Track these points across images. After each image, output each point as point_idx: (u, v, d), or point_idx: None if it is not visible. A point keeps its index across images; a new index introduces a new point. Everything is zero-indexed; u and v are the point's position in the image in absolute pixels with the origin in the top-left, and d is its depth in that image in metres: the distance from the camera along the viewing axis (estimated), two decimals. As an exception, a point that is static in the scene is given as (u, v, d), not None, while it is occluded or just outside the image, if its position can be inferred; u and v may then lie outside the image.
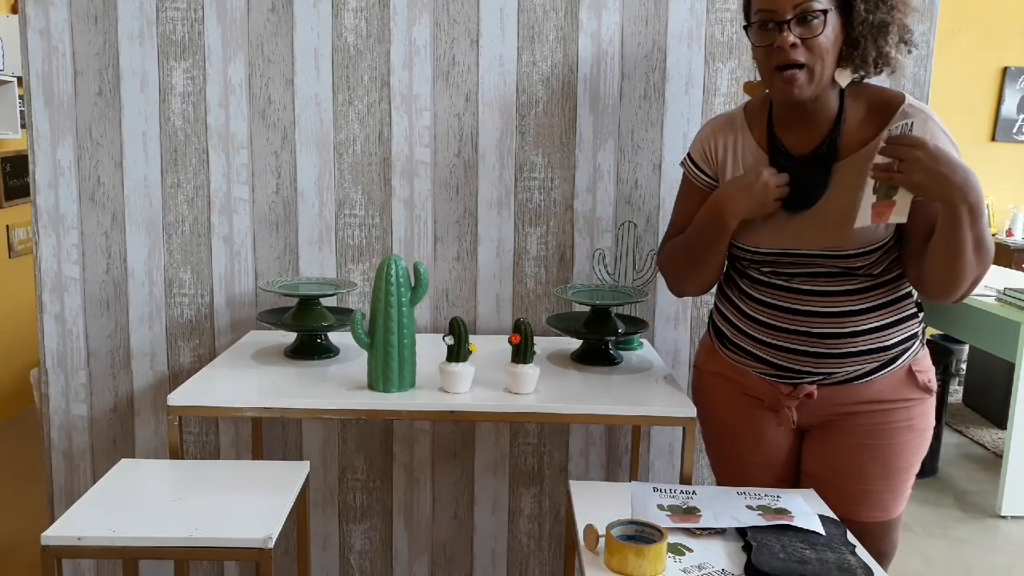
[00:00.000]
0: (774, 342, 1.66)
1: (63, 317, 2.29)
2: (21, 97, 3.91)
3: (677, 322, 2.31)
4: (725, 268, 1.80)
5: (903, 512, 1.75)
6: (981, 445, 4.22)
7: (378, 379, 1.77)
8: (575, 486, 1.63)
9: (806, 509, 1.51)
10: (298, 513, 1.77)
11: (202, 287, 2.29)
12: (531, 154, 2.23)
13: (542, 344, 2.14)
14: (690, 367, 2.20)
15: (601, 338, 2.01)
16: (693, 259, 1.74)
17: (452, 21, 2.18)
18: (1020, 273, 4.27)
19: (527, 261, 2.28)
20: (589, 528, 1.36)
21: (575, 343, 2.12)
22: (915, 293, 1.66)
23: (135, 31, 2.18)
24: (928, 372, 1.69)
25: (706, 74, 2.20)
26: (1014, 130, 5.50)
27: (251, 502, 1.56)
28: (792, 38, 1.50)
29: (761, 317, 1.68)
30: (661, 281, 2.16)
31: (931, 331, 4.40)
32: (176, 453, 1.76)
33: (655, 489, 1.60)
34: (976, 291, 3.53)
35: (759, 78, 1.64)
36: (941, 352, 3.79)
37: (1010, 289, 3.45)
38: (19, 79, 3.92)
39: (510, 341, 1.78)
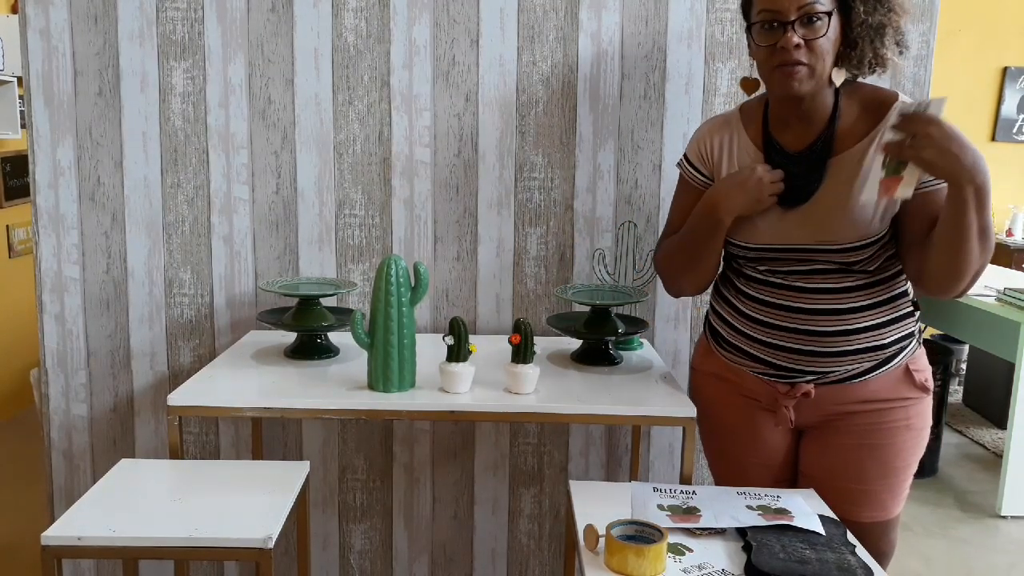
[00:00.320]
0: (771, 340, 1.66)
1: (63, 317, 2.29)
2: (21, 97, 3.91)
3: (677, 322, 2.31)
4: (721, 268, 1.81)
5: (902, 512, 1.75)
6: (981, 445, 4.22)
7: (378, 379, 1.78)
8: (575, 486, 1.63)
9: (806, 509, 1.51)
10: (298, 513, 1.77)
11: (202, 287, 2.29)
12: (531, 154, 2.23)
13: (542, 344, 2.14)
14: (689, 368, 2.20)
15: (601, 338, 2.01)
16: (689, 257, 1.75)
17: (452, 21, 2.18)
18: (1020, 273, 4.27)
19: (527, 261, 2.28)
20: (589, 528, 1.36)
21: (575, 343, 2.12)
22: (911, 292, 1.67)
23: (135, 31, 2.18)
24: (925, 371, 1.69)
25: (706, 74, 2.20)
26: (1014, 130, 5.50)
27: (251, 502, 1.56)
28: (796, 39, 1.51)
29: (758, 315, 1.68)
30: (661, 281, 2.16)
31: (931, 331, 4.40)
32: (176, 453, 1.76)
33: (655, 489, 1.60)
34: (976, 291, 3.57)
35: (753, 75, 1.66)
36: (941, 352, 3.79)
37: (1010, 289, 3.45)
38: (19, 79, 3.92)
39: (510, 341, 1.78)
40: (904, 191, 1.45)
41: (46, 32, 2.18)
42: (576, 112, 2.22)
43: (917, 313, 1.70)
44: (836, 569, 1.31)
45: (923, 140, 1.40)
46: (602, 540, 1.34)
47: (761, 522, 1.44)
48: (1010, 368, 3.56)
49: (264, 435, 2.33)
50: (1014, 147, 5.53)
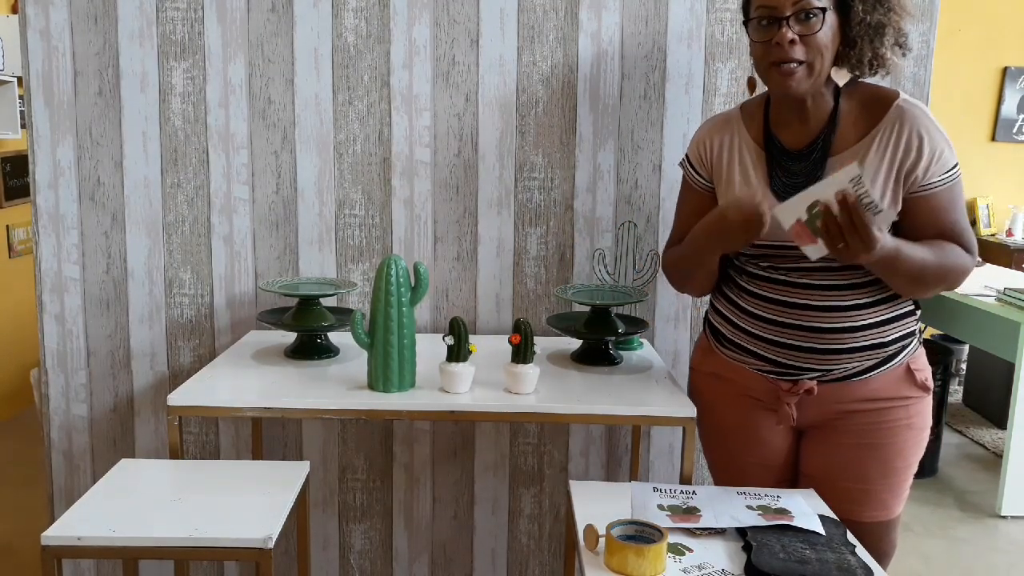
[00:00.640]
0: (773, 337, 1.66)
1: (63, 317, 2.29)
2: (21, 97, 3.91)
3: (677, 322, 2.31)
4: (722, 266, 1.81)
5: (902, 512, 1.75)
6: (981, 445, 4.22)
7: (378, 379, 1.77)
8: (575, 486, 1.63)
9: (806, 509, 1.51)
10: (298, 513, 1.77)
11: (202, 287, 2.29)
12: (531, 154, 2.23)
13: (542, 344, 2.14)
14: (689, 368, 2.20)
15: (601, 338, 2.01)
16: (691, 270, 1.77)
17: (452, 21, 2.18)
18: (1020, 273, 4.27)
19: (527, 261, 2.28)
20: (589, 528, 1.36)
21: (575, 343, 2.12)
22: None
23: (135, 31, 2.18)
24: (925, 371, 1.69)
25: (706, 74, 2.20)
26: (1014, 130, 5.50)
27: (251, 502, 1.56)
28: (791, 35, 1.52)
29: (760, 312, 1.68)
30: (661, 281, 2.16)
31: (931, 331, 4.40)
32: (176, 453, 1.76)
33: (655, 489, 1.60)
34: (976, 291, 3.57)
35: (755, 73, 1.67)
36: (941, 352, 3.79)
37: (1010, 289, 3.45)
38: (19, 79, 3.92)
39: (510, 341, 1.78)
40: (813, 251, 1.47)
41: (46, 32, 2.18)
42: (576, 112, 2.22)
43: (917, 312, 1.70)
44: (836, 569, 1.31)
45: (849, 249, 1.43)
46: (602, 540, 1.34)
47: (761, 522, 1.44)
48: (1010, 368, 3.56)
49: (264, 435, 2.33)
50: (1014, 147, 5.53)
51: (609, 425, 2.32)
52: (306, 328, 2.01)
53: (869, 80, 1.67)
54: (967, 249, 1.59)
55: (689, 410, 1.74)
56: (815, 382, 1.66)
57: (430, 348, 1.97)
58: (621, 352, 2.09)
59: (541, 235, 2.27)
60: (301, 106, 2.21)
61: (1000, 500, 3.41)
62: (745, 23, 1.62)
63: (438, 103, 2.21)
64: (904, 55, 1.62)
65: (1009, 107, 5.48)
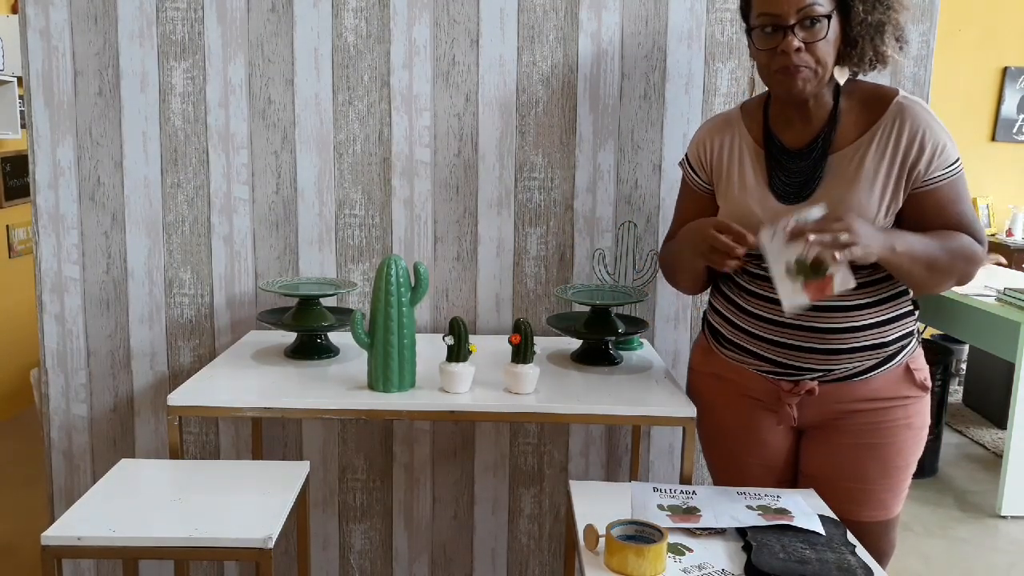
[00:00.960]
0: (774, 337, 1.66)
1: (63, 317, 2.29)
2: (21, 97, 3.91)
3: (677, 322, 2.31)
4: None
5: (901, 511, 1.75)
6: (981, 445, 4.22)
7: (378, 379, 1.77)
8: (575, 486, 1.63)
9: (806, 509, 1.51)
10: (298, 513, 1.77)
11: (202, 287, 2.29)
12: (531, 154, 2.23)
13: (542, 344, 2.14)
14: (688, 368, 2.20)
15: (601, 338, 2.01)
16: (678, 268, 1.80)
17: (452, 21, 2.18)
18: (1020, 273, 4.27)
19: (527, 261, 2.28)
20: (589, 528, 1.36)
21: (575, 343, 2.12)
22: (911, 291, 1.67)
23: (135, 31, 2.18)
24: (924, 370, 1.69)
25: (706, 74, 2.20)
26: (1014, 130, 5.50)
27: (251, 502, 1.56)
28: (797, 42, 1.52)
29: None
30: (661, 281, 2.16)
31: (931, 331, 4.40)
32: (176, 453, 1.76)
33: (655, 489, 1.60)
34: (976, 291, 3.57)
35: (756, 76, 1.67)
36: (941, 352, 3.78)
37: (1010, 289, 3.45)
38: (19, 79, 3.92)
39: (510, 341, 1.78)
40: (840, 286, 1.49)
41: (46, 32, 2.18)
42: (576, 112, 2.22)
43: (917, 312, 1.71)
44: (836, 569, 1.31)
45: (845, 241, 1.44)
46: (602, 540, 1.34)
47: (761, 522, 1.44)
48: (1010, 368, 3.56)
49: (264, 435, 2.33)
50: (1014, 147, 5.53)
51: (609, 425, 2.32)
52: (306, 328, 2.01)
53: (869, 78, 1.67)
54: (976, 239, 1.59)
55: (689, 410, 1.74)
56: (816, 382, 1.66)
57: (430, 348, 1.97)
58: (621, 352, 2.09)
59: (541, 235, 2.27)
60: (301, 106, 2.21)
61: (1000, 500, 3.41)
62: (748, 31, 1.62)
63: (438, 103, 2.21)
64: (902, 49, 1.62)
65: (1009, 107, 5.48)
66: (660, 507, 1.51)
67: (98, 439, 2.35)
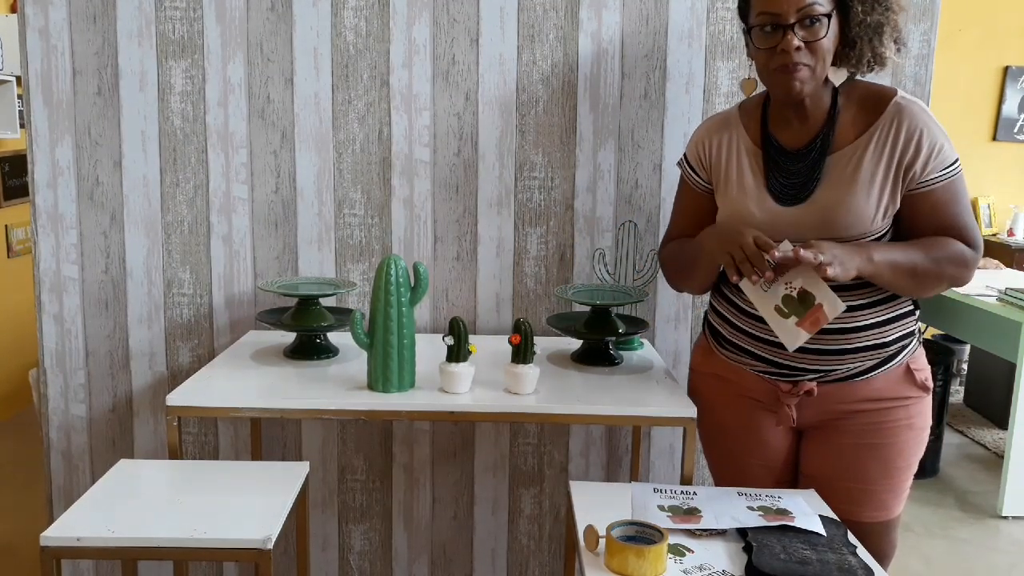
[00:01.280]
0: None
1: (62, 317, 2.28)
2: (20, 97, 3.91)
3: (677, 322, 2.31)
4: (721, 267, 1.81)
5: (902, 512, 1.75)
6: (982, 445, 4.22)
7: (378, 379, 1.77)
8: (575, 486, 1.63)
9: (807, 510, 1.51)
10: (298, 513, 1.76)
11: (201, 287, 2.28)
12: (531, 154, 2.23)
13: (542, 344, 2.13)
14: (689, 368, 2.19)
15: (601, 338, 2.00)
16: (685, 272, 1.80)
17: (452, 20, 2.18)
18: (1020, 273, 4.27)
19: (527, 261, 2.27)
20: (589, 529, 1.36)
21: (575, 343, 2.11)
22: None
23: (134, 30, 2.18)
24: (925, 371, 1.69)
25: (706, 74, 2.20)
26: (1015, 130, 5.50)
27: (251, 502, 1.55)
28: (796, 41, 1.51)
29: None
30: (661, 281, 2.16)
31: (932, 331, 4.40)
32: (175, 453, 1.76)
33: (655, 490, 1.59)
34: (977, 291, 3.57)
35: (752, 76, 1.66)
36: (942, 352, 3.78)
37: (1010, 289, 3.44)
38: (18, 79, 3.91)
39: (510, 341, 1.77)
40: (831, 312, 1.53)
41: (45, 32, 2.17)
42: (576, 112, 2.21)
43: (917, 312, 1.70)
44: (837, 570, 1.30)
45: (822, 261, 1.47)
46: (602, 541, 1.33)
47: (762, 523, 1.44)
48: (1011, 368, 3.56)
49: (264, 435, 2.33)
50: (1015, 147, 5.53)
51: (609, 425, 2.32)
52: (305, 328, 2.01)
53: (869, 78, 1.66)
54: (969, 244, 1.58)
55: (689, 410, 1.73)
56: (815, 383, 1.66)
57: (430, 348, 1.97)
58: (621, 352, 2.09)
59: (541, 235, 2.26)
60: (300, 105, 2.21)
61: (1001, 500, 3.41)
62: (746, 30, 1.61)
63: (438, 102, 2.21)
64: (900, 51, 1.62)
65: (1010, 107, 5.47)
66: (660, 508, 1.50)
67: (97, 439, 2.34)
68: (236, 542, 1.42)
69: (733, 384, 1.76)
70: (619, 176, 2.24)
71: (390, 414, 1.75)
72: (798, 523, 1.44)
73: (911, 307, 1.68)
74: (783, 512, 1.49)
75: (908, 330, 1.67)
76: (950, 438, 4.24)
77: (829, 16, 1.52)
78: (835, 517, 1.53)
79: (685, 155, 1.82)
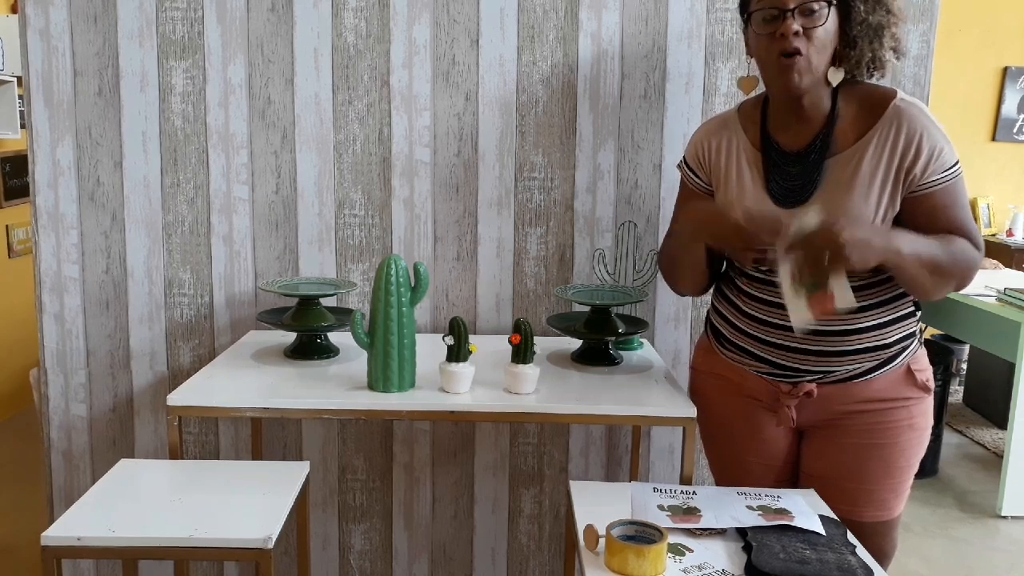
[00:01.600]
0: (773, 340, 1.66)
1: (62, 317, 2.29)
2: (21, 97, 3.91)
3: (677, 322, 2.31)
4: (723, 267, 1.81)
5: (903, 512, 1.75)
6: (981, 445, 4.22)
7: (378, 379, 1.77)
8: (575, 486, 1.63)
9: (806, 509, 1.51)
10: (298, 513, 1.77)
11: (201, 287, 2.28)
12: (531, 154, 2.23)
13: (542, 344, 2.14)
14: (689, 368, 2.20)
15: (601, 338, 2.01)
16: (677, 264, 1.79)
17: (452, 21, 2.18)
18: (1020, 273, 4.27)
19: (527, 261, 2.28)
20: (589, 528, 1.36)
21: (575, 343, 2.11)
22: (912, 294, 1.67)
23: (135, 31, 2.18)
24: (926, 371, 1.69)
25: (706, 74, 2.20)
26: (1014, 130, 5.50)
27: (251, 502, 1.55)
28: (795, 26, 1.51)
29: (760, 315, 1.68)
30: (661, 282, 2.16)
31: (931, 331, 4.40)
32: (176, 453, 1.76)
33: (655, 489, 1.59)
34: (976, 291, 3.57)
35: (751, 74, 1.67)
36: (941, 352, 3.78)
37: (1010, 289, 3.45)
38: (19, 79, 3.92)
39: (510, 341, 1.78)
40: (842, 302, 1.46)
41: (46, 32, 2.18)
42: (576, 112, 2.22)
43: (918, 313, 1.70)
44: (836, 569, 1.31)
45: (839, 251, 1.41)
46: (602, 540, 1.34)
47: (761, 522, 1.44)
48: (1010, 368, 3.56)
49: (264, 435, 2.33)
50: (1014, 147, 5.53)
51: (609, 425, 2.32)
52: (306, 328, 2.01)
53: (867, 81, 1.67)
54: (974, 245, 1.58)
55: (689, 410, 1.74)
56: (815, 384, 1.66)
57: (430, 348, 1.97)
58: (621, 352, 2.09)
59: (541, 235, 2.27)
60: (301, 106, 2.21)
61: (1000, 500, 3.41)
62: (745, 21, 1.62)
63: (438, 103, 2.21)
64: (899, 58, 1.63)
65: (1009, 107, 5.48)
66: (660, 507, 1.50)
67: (98, 439, 2.35)
68: (237, 542, 1.42)
69: (734, 384, 1.77)
70: (619, 176, 2.24)
71: (390, 414, 1.75)
72: (798, 523, 1.44)
73: (912, 308, 1.68)
74: (783, 512, 1.49)
75: (909, 331, 1.67)
76: (949, 438, 4.24)
77: (830, 4, 1.53)
78: (835, 517, 1.53)
79: (684, 158, 1.82)
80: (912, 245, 1.50)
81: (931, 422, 1.71)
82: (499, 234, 2.26)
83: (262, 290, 2.27)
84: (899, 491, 1.71)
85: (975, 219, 5.45)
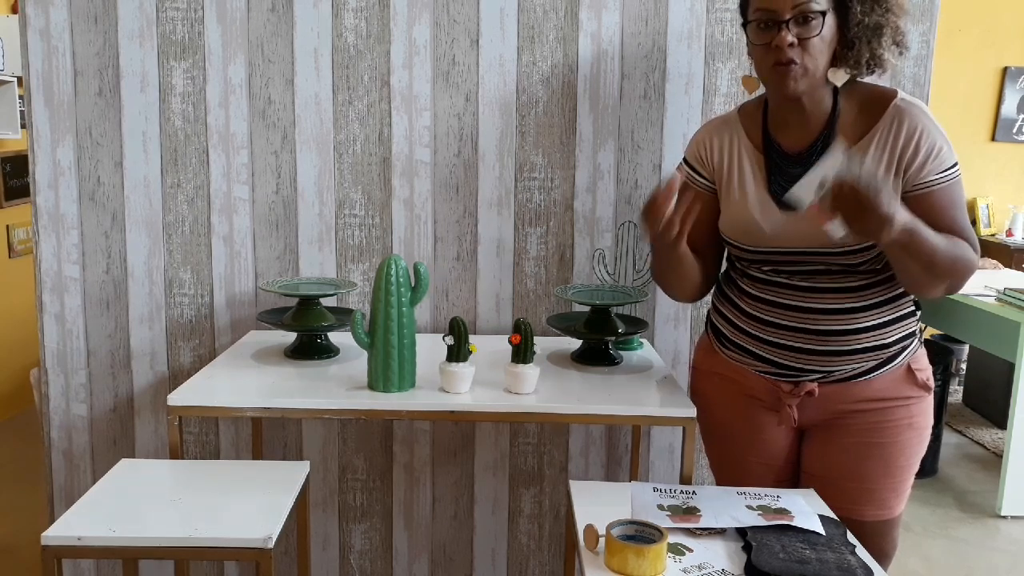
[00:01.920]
0: (775, 340, 1.66)
1: (63, 317, 2.29)
2: (21, 97, 3.91)
3: (677, 322, 2.31)
4: (724, 268, 1.81)
5: (903, 511, 1.75)
6: (981, 445, 4.22)
7: (378, 379, 1.77)
8: (575, 486, 1.63)
9: (806, 509, 1.51)
10: (298, 513, 1.77)
11: (202, 287, 2.29)
12: (531, 154, 2.23)
13: (542, 344, 2.14)
14: (690, 367, 2.20)
15: (601, 338, 2.01)
16: (663, 271, 1.75)
17: (452, 21, 2.18)
18: (1020, 273, 4.27)
19: (527, 261, 2.28)
20: (589, 528, 1.36)
21: (575, 343, 2.12)
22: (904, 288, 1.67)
23: (135, 31, 2.18)
24: (926, 371, 1.69)
25: (706, 74, 2.20)
26: (1014, 130, 5.50)
27: (251, 502, 1.56)
28: (790, 37, 1.51)
29: (761, 315, 1.68)
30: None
31: (931, 331, 4.40)
32: (176, 453, 1.76)
33: (655, 489, 1.60)
34: (976, 291, 3.57)
35: (753, 74, 1.66)
36: (941, 352, 3.78)
37: (1010, 289, 3.45)
38: (19, 79, 3.92)
39: (510, 341, 1.78)
40: (834, 229, 1.44)
41: (46, 32, 2.18)
42: (576, 112, 2.22)
43: (918, 313, 1.70)
44: (836, 569, 1.31)
45: (842, 200, 1.40)
46: (602, 540, 1.34)
47: (761, 522, 1.44)
48: (1010, 368, 3.56)
49: (264, 435, 2.33)
50: (1014, 147, 5.53)
51: (609, 425, 2.32)
52: (306, 328, 2.01)
53: (867, 79, 1.66)
54: (970, 247, 1.57)
55: (689, 410, 1.74)
56: (816, 384, 1.66)
57: (430, 348, 1.97)
58: (621, 352, 2.09)
59: (541, 235, 2.27)
60: (301, 106, 2.21)
61: (1000, 500, 3.41)
62: (744, 25, 1.62)
63: (438, 103, 2.21)
64: (902, 54, 1.61)
65: (1009, 107, 5.47)
66: (660, 507, 1.51)
67: (98, 439, 2.35)
68: (237, 541, 1.42)
69: (735, 383, 1.77)
70: (619, 176, 2.24)
71: (390, 414, 1.75)
72: (797, 522, 1.44)
73: (912, 307, 1.68)
74: (782, 511, 1.49)
75: (909, 330, 1.67)
76: (949, 438, 4.24)
77: (824, 14, 1.52)
78: (834, 517, 1.53)
79: (685, 158, 1.82)
80: (923, 230, 1.46)
81: (931, 421, 1.72)
82: (499, 234, 2.26)
83: (262, 290, 2.27)
84: (900, 490, 1.71)
85: (975, 220, 5.45)
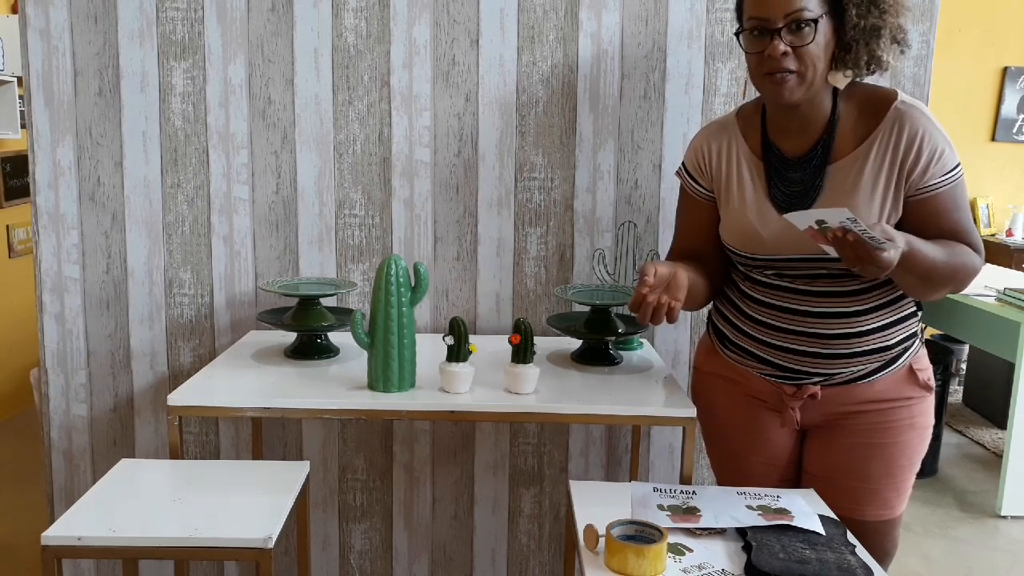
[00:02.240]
0: (777, 343, 1.66)
1: (63, 317, 2.29)
2: (21, 97, 3.91)
3: (677, 322, 2.31)
4: (726, 271, 1.81)
5: (904, 511, 1.75)
6: (981, 445, 4.22)
7: (378, 379, 1.77)
8: (575, 486, 1.63)
9: (806, 509, 1.51)
10: (298, 513, 1.77)
11: (202, 287, 2.29)
12: (531, 154, 2.23)
13: (542, 344, 2.14)
14: (690, 367, 2.20)
15: (601, 338, 2.01)
16: None
17: (452, 21, 2.18)
18: (1020, 273, 4.27)
19: (527, 261, 2.28)
20: (589, 528, 1.36)
21: (575, 343, 2.12)
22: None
23: (135, 31, 2.18)
24: (927, 371, 1.69)
25: (706, 74, 2.20)
26: (1014, 130, 5.50)
27: (251, 502, 1.56)
28: (783, 46, 1.50)
29: (763, 318, 1.68)
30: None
31: (931, 331, 4.40)
32: (176, 453, 1.76)
33: (655, 489, 1.60)
34: (976, 291, 3.57)
35: None
36: (941, 352, 3.79)
37: (1010, 289, 3.45)
38: (19, 79, 3.92)
39: (510, 341, 1.78)
40: (830, 250, 1.45)
41: (46, 32, 2.18)
42: (576, 112, 2.22)
43: (919, 313, 1.70)
44: (836, 569, 1.31)
45: (844, 245, 1.39)
46: (602, 540, 1.34)
47: (761, 522, 1.44)
48: (1010, 368, 3.56)
49: (264, 435, 2.33)
50: (1014, 147, 5.53)
51: (609, 425, 2.32)
52: (306, 328, 2.01)
53: (867, 80, 1.65)
54: (974, 250, 1.57)
55: (689, 410, 1.74)
56: (819, 387, 1.66)
57: (430, 348, 1.97)
58: (621, 352, 2.09)
59: (541, 235, 2.27)
60: (301, 106, 2.21)
61: (1000, 500, 3.41)
62: (737, 34, 1.61)
63: (438, 103, 2.21)
64: (903, 53, 1.59)
65: (1009, 107, 5.47)
66: (660, 507, 1.51)
67: (98, 439, 2.35)
68: (237, 541, 1.42)
69: (737, 384, 1.77)
70: (619, 176, 2.24)
71: (390, 414, 1.75)
72: (797, 522, 1.44)
73: (913, 308, 1.68)
74: (782, 511, 1.49)
75: (911, 332, 1.67)
76: (949, 438, 4.24)
77: (817, 21, 1.50)
78: (834, 516, 1.53)
79: (684, 164, 1.81)
80: (918, 247, 1.47)
81: (932, 421, 1.72)
82: (499, 234, 2.26)
83: (262, 290, 2.27)
84: (901, 490, 1.71)
85: (975, 220, 5.46)
